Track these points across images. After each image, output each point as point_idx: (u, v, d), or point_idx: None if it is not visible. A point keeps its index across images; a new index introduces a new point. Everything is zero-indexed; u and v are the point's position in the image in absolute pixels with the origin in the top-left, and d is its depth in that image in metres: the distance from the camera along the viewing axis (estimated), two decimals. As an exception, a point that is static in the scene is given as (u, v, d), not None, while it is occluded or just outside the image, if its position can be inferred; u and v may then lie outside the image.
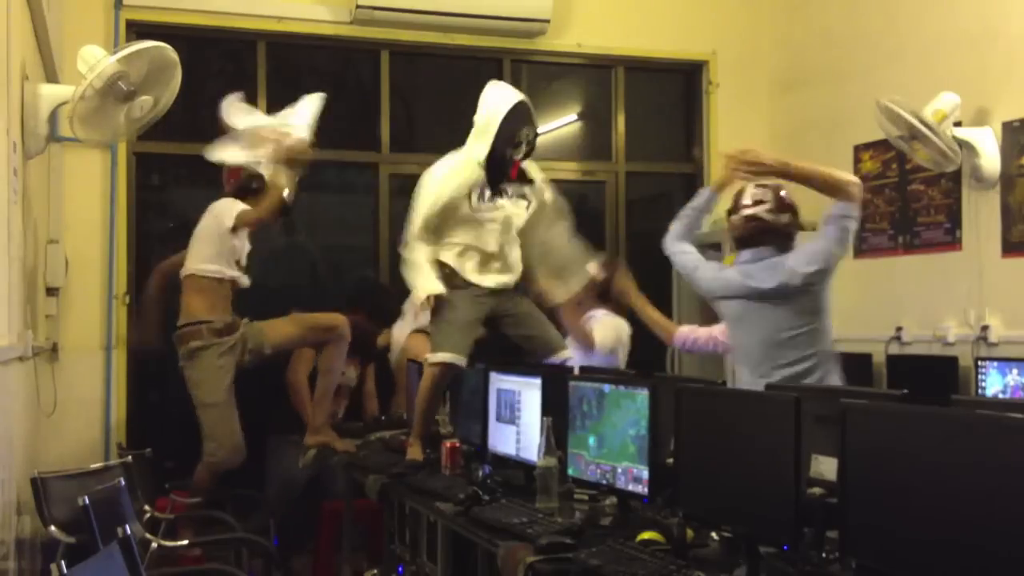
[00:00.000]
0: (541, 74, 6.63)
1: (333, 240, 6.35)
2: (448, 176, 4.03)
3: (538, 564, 2.59)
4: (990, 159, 5.08)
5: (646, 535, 2.62)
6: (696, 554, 2.54)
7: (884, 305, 5.61)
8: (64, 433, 5.13)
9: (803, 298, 3.70)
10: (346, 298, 5.37)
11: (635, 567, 2.40)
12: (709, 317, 4.99)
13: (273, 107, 5.85)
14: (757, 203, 3.79)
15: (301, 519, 5.30)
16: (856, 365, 5.12)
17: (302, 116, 4.67)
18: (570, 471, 3.20)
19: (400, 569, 4.07)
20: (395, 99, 6.23)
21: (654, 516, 2.73)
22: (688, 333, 4.62)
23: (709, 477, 2.64)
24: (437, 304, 4.08)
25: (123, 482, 3.26)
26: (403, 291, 5.47)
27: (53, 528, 3.22)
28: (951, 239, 5.40)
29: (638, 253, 6.57)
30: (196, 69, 5.50)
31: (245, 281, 4.63)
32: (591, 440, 3.13)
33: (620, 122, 6.62)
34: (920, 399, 2.48)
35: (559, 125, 6.76)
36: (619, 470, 2.98)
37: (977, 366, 4.92)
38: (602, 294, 5.11)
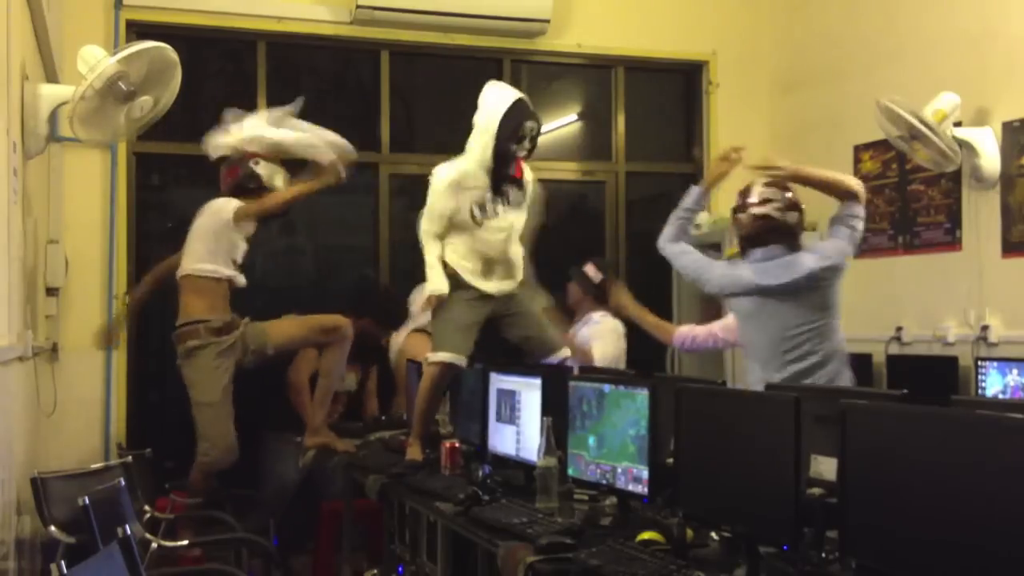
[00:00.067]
0: (541, 74, 6.63)
1: (333, 240, 6.35)
2: (456, 181, 3.99)
3: (538, 564, 2.59)
4: (990, 159, 5.08)
5: (646, 535, 2.62)
6: (696, 554, 2.54)
7: (884, 305, 5.61)
8: (64, 433, 5.12)
9: (813, 295, 3.78)
10: (352, 304, 5.34)
11: (635, 567, 2.40)
12: (709, 316, 4.99)
13: (273, 107, 5.87)
14: (765, 201, 3.83)
15: (301, 519, 5.30)
16: (856, 365, 5.07)
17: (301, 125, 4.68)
18: (570, 471, 3.20)
19: (400, 569, 4.07)
20: (395, 99, 6.23)
21: (654, 516, 2.73)
22: (687, 333, 4.64)
23: (709, 477, 2.65)
24: (438, 304, 4.08)
25: (123, 482, 3.26)
26: (403, 287, 5.53)
27: (53, 528, 3.22)
28: (951, 239, 5.40)
29: (638, 253, 6.58)
30: (196, 69, 5.50)
31: (242, 280, 4.63)
32: (591, 440, 3.13)
33: (620, 122, 6.62)
34: (920, 399, 2.48)
35: (559, 125, 6.76)
36: (619, 470, 2.98)
37: (977, 366, 4.92)
38: (598, 296, 5.12)
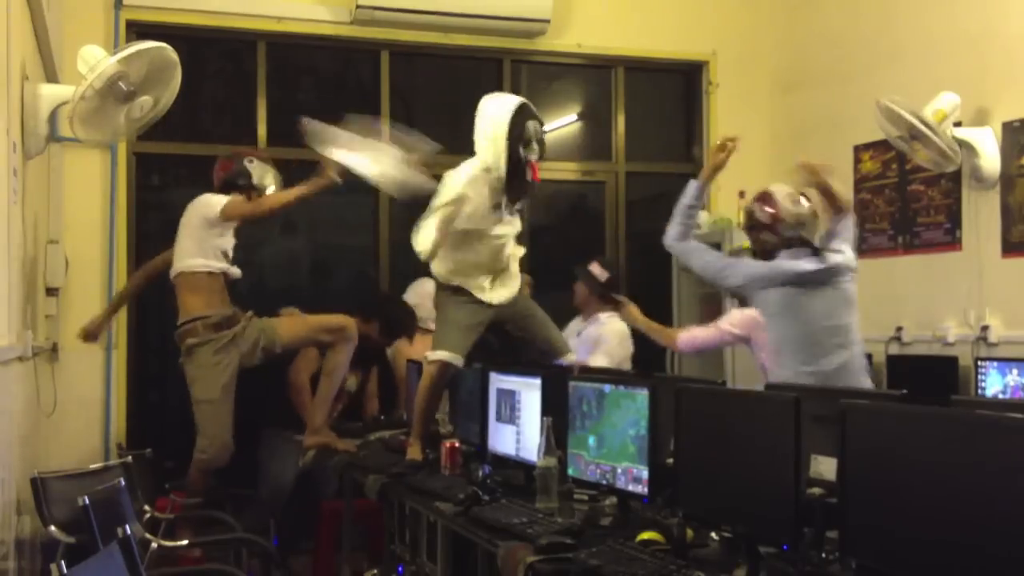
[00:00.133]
0: (541, 74, 6.63)
1: (333, 240, 6.35)
2: (476, 178, 3.95)
3: (538, 564, 2.59)
4: (990, 159, 5.08)
5: (646, 535, 2.62)
6: (696, 554, 2.54)
7: (884, 305, 5.61)
8: (64, 433, 5.13)
9: (838, 291, 3.89)
10: (354, 304, 5.34)
11: (635, 567, 2.40)
12: (708, 316, 4.99)
13: (273, 107, 5.90)
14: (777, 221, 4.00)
15: (301, 519, 5.30)
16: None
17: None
18: (570, 471, 3.20)
19: (400, 569, 4.07)
20: (395, 99, 6.23)
21: (654, 516, 2.73)
22: (692, 337, 4.63)
23: (709, 477, 2.65)
24: (440, 306, 4.08)
25: (123, 482, 3.26)
26: (403, 286, 5.51)
27: (53, 528, 3.21)
28: (951, 239, 5.40)
29: (638, 253, 6.58)
30: (196, 69, 5.50)
31: (236, 272, 4.63)
32: (591, 440, 3.13)
33: (620, 122, 6.62)
34: (920, 399, 2.48)
35: (559, 125, 6.76)
36: (619, 470, 2.98)
37: (977, 366, 4.92)
38: (604, 296, 5.11)
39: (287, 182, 4.77)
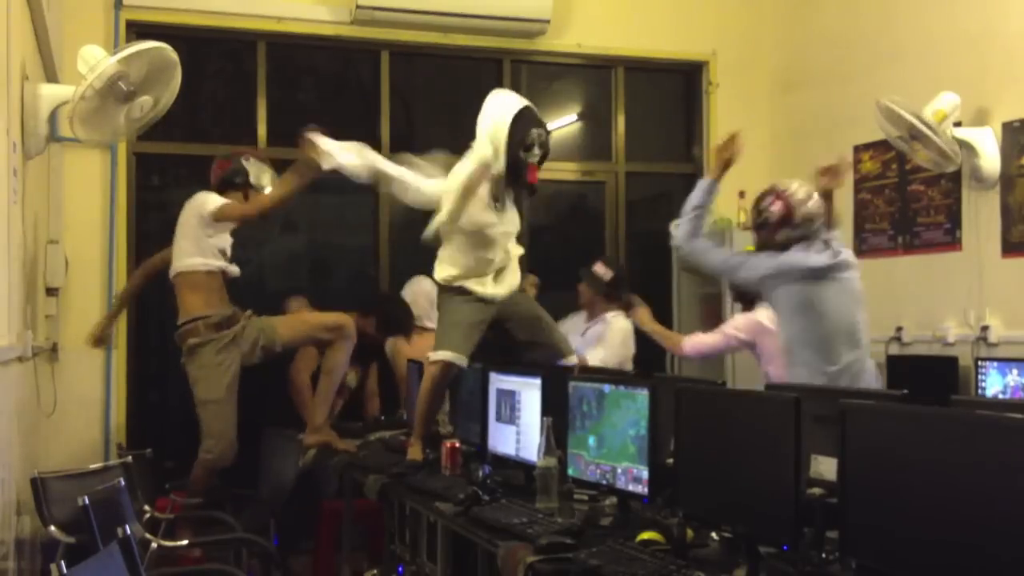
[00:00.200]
0: (541, 74, 6.63)
1: (333, 240, 6.35)
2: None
3: (538, 564, 2.59)
4: (990, 159, 5.08)
5: (646, 535, 2.62)
6: (696, 554, 2.54)
7: (884, 305, 5.60)
8: (64, 433, 5.13)
9: (848, 287, 3.94)
10: (359, 304, 5.35)
11: (635, 567, 2.40)
12: (709, 316, 4.99)
13: (273, 107, 5.90)
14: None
15: (301, 519, 5.31)
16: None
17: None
18: (570, 471, 3.20)
19: (400, 569, 4.07)
20: (395, 99, 6.23)
21: (654, 516, 2.73)
22: (698, 342, 4.63)
23: (709, 477, 2.65)
24: (441, 306, 4.08)
25: (123, 482, 3.26)
26: (403, 284, 5.51)
27: (53, 528, 3.21)
28: (951, 239, 5.40)
29: (638, 253, 6.59)
30: (196, 69, 5.50)
31: (235, 270, 4.63)
32: (591, 440, 3.13)
33: (620, 122, 6.62)
34: (920, 399, 2.48)
35: (559, 125, 6.76)
36: (619, 470, 2.98)
37: (977, 366, 4.91)
38: (609, 295, 5.12)
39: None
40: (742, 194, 6.06)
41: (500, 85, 6.07)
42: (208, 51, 6.03)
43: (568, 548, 2.62)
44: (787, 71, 6.59)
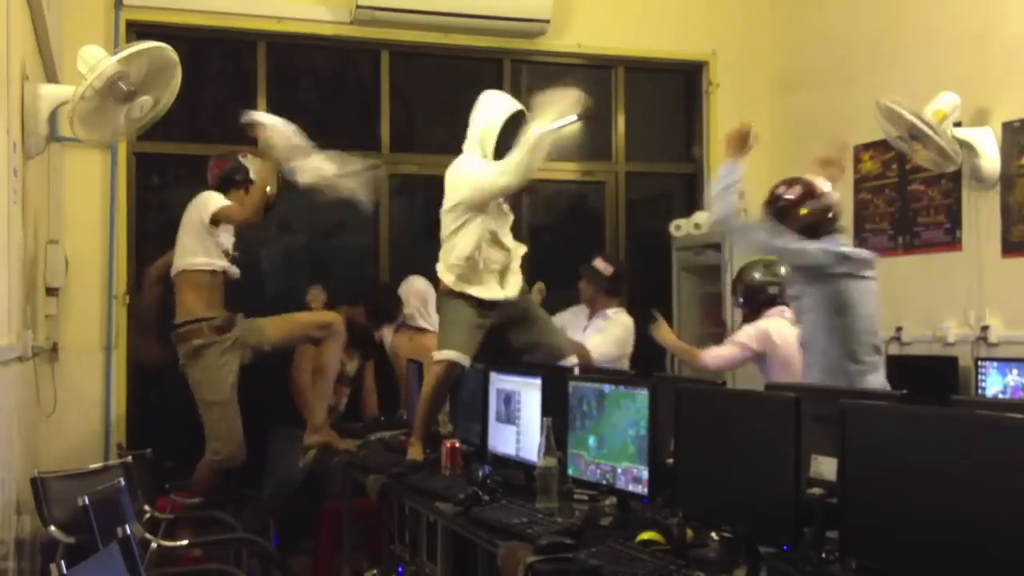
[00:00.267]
0: (541, 74, 6.61)
1: (333, 240, 6.35)
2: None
3: (538, 564, 2.59)
4: (990, 159, 5.08)
5: (646, 535, 2.62)
6: (696, 554, 2.54)
7: (884, 305, 5.54)
8: (64, 433, 5.13)
9: (871, 285, 3.96)
10: (350, 294, 5.39)
11: (635, 567, 2.40)
12: (709, 316, 4.97)
13: (273, 107, 5.88)
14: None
15: (301, 519, 5.31)
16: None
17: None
18: (570, 471, 3.20)
19: (400, 569, 4.07)
20: (395, 99, 6.23)
21: (654, 516, 2.73)
22: (717, 355, 4.60)
23: (709, 477, 2.65)
24: (444, 306, 4.08)
25: (123, 482, 3.26)
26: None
27: (53, 528, 3.22)
28: (951, 239, 5.40)
29: (638, 253, 6.58)
30: (196, 69, 5.50)
31: (235, 272, 4.63)
32: (591, 440, 3.13)
33: (620, 122, 6.62)
34: (920, 399, 2.48)
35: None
36: (619, 470, 2.98)
37: (977, 366, 4.92)
38: (610, 291, 5.12)
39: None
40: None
41: (500, 85, 6.08)
42: (208, 51, 6.03)
43: (568, 548, 2.63)
44: (787, 71, 6.59)
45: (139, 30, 5.49)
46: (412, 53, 6.24)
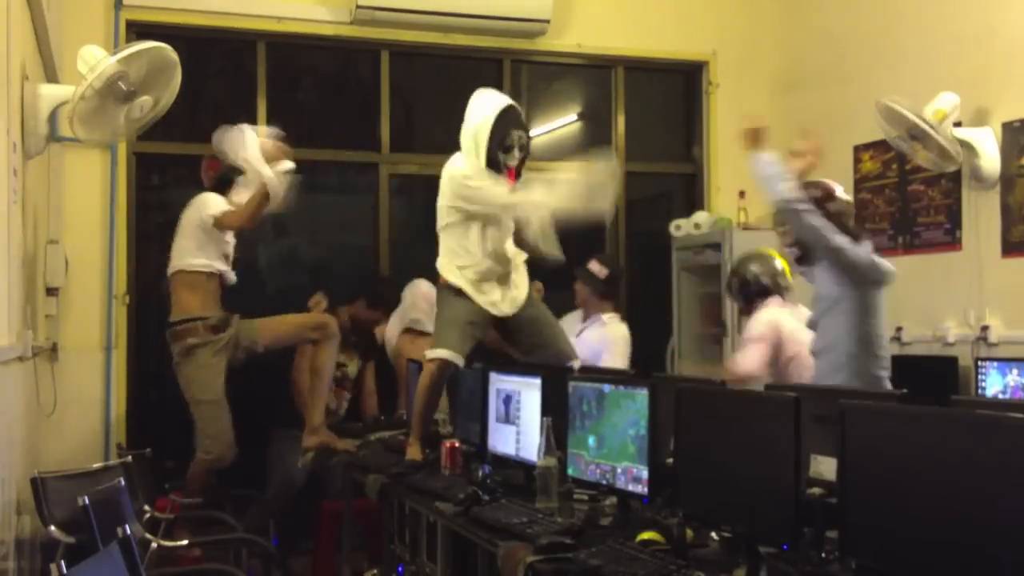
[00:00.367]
0: (541, 74, 6.63)
1: (333, 240, 6.35)
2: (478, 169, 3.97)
3: (538, 564, 2.59)
4: (990, 159, 5.08)
5: (646, 535, 2.62)
6: (696, 554, 2.54)
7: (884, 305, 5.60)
8: (64, 433, 5.13)
9: (882, 294, 4.04)
10: (350, 294, 5.40)
11: (635, 567, 2.40)
12: (708, 316, 4.96)
13: (273, 107, 5.90)
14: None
15: (301, 519, 5.31)
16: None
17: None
18: (570, 471, 3.20)
19: (400, 569, 4.07)
20: (395, 99, 6.23)
21: (654, 516, 2.73)
22: (741, 359, 4.54)
23: (709, 477, 2.64)
24: (440, 303, 4.07)
25: (123, 482, 3.26)
26: (402, 282, 5.53)
27: (53, 528, 3.22)
28: (951, 239, 5.40)
29: (638, 253, 6.58)
30: (196, 69, 5.50)
31: (232, 277, 4.64)
32: (591, 440, 3.13)
33: (620, 122, 6.62)
34: (920, 399, 2.48)
35: (559, 125, 6.76)
36: (619, 470, 2.98)
37: (977, 366, 4.92)
38: (605, 294, 5.10)
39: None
40: (742, 194, 6.06)
41: (500, 85, 6.08)
42: (208, 51, 6.03)
43: (568, 548, 2.62)
44: (787, 71, 6.59)
45: (139, 30, 5.49)
46: (412, 53, 6.24)
